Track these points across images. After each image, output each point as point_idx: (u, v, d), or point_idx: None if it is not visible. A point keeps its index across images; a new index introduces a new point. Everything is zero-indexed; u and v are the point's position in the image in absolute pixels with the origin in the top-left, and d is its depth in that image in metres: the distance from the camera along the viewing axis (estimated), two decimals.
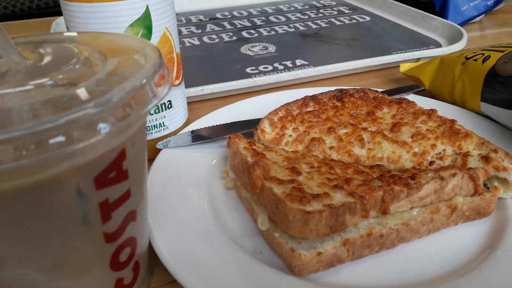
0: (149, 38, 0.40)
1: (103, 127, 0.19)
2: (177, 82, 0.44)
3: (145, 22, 0.39)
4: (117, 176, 0.23)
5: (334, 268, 0.30)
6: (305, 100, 0.45)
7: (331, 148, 0.38)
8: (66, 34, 0.30)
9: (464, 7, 0.81)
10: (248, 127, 0.46)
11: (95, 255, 0.24)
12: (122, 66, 0.24)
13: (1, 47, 0.23)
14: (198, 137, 0.44)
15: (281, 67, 0.65)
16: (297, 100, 0.45)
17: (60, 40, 0.29)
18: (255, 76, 0.61)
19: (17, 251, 0.22)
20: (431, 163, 0.36)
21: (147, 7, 0.39)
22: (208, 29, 0.85)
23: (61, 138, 0.18)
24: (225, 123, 0.47)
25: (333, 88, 0.50)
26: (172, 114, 0.44)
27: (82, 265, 0.23)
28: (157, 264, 0.31)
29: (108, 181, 0.22)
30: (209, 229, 0.33)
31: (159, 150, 0.42)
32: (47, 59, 0.25)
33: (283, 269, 0.30)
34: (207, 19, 0.92)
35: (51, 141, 0.18)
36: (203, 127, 0.46)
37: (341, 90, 0.46)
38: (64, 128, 0.18)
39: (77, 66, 0.24)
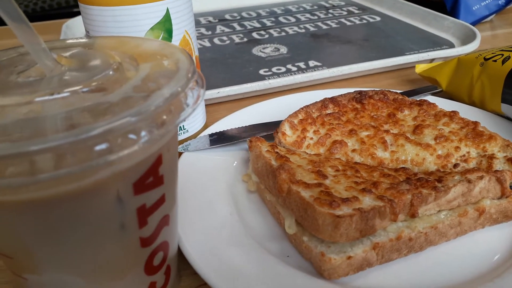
0: (170, 42, 0.40)
1: (144, 135, 0.19)
2: None
3: (165, 26, 0.39)
4: (154, 181, 0.23)
5: (363, 271, 0.30)
6: (324, 102, 0.45)
7: (353, 151, 0.38)
8: (92, 39, 0.30)
9: (476, 7, 0.81)
10: (267, 130, 0.46)
11: (131, 260, 0.24)
12: (155, 72, 0.23)
13: (34, 51, 0.23)
14: (217, 140, 0.44)
15: (294, 68, 0.65)
16: (316, 102, 0.45)
17: (87, 45, 0.28)
18: (268, 78, 0.61)
19: (56, 256, 0.22)
20: (455, 165, 0.36)
21: (167, 10, 0.39)
22: (218, 31, 0.85)
23: (103, 146, 0.18)
24: (244, 125, 0.46)
25: (350, 90, 0.49)
26: (191, 117, 0.44)
27: (118, 270, 0.23)
28: (184, 267, 0.31)
29: (146, 187, 0.22)
30: (235, 232, 0.33)
31: (180, 153, 0.42)
32: (79, 64, 0.25)
33: (312, 272, 0.30)
34: (216, 20, 0.92)
35: (94, 149, 0.18)
36: (221, 130, 0.46)
37: (360, 92, 0.46)
38: (106, 136, 0.18)
39: (110, 72, 0.24)
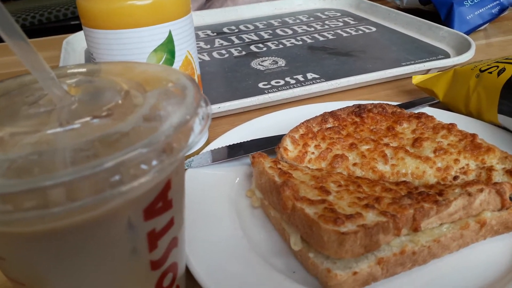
0: (172, 63, 0.41)
1: (155, 164, 0.20)
2: None
3: (168, 47, 0.40)
4: (163, 206, 0.23)
5: (368, 286, 0.30)
6: (324, 117, 0.45)
7: (354, 164, 0.39)
8: (97, 65, 0.31)
9: (469, 16, 0.82)
10: (268, 144, 0.46)
11: (142, 283, 0.24)
12: (163, 100, 0.24)
13: (43, 80, 0.24)
14: (220, 155, 0.45)
15: (292, 81, 0.66)
16: (316, 116, 0.46)
17: (93, 72, 0.29)
18: (268, 91, 0.62)
19: (68, 282, 0.22)
20: (455, 178, 0.36)
21: (170, 32, 0.40)
22: (217, 44, 0.86)
23: (116, 178, 0.19)
24: (245, 141, 0.47)
25: (348, 102, 0.50)
26: None
27: None
28: (192, 286, 0.32)
29: (156, 212, 0.23)
30: (241, 248, 0.33)
31: None
32: (88, 93, 0.25)
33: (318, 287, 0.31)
34: (215, 34, 0.93)
35: (107, 181, 0.18)
36: (224, 145, 0.47)
37: (359, 106, 0.46)
38: (118, 168, 0.19)
39: (119, 101, 0.24)
